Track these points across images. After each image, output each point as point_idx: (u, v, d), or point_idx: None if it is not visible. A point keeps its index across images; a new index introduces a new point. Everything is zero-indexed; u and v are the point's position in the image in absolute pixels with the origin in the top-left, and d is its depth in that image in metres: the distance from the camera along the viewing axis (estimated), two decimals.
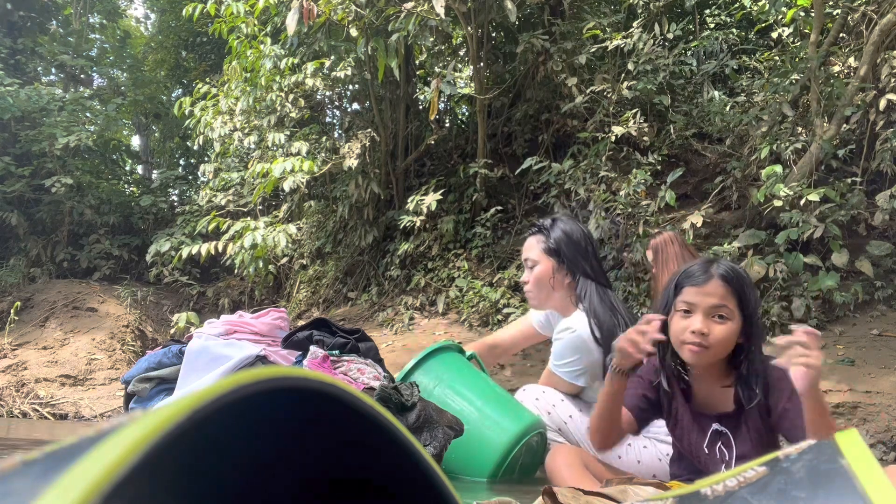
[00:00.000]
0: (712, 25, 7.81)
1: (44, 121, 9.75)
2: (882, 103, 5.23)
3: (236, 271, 7.81)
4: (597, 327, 2.17)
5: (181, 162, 14.05)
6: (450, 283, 7.35)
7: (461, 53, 8.85)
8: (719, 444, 1.63)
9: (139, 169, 14.04)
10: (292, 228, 7.17)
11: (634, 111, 6.44)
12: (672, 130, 6.92)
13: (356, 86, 8.20)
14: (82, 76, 12.67)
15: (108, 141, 11.64)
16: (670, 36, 6.85)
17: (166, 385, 2.74)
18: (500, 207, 7.45)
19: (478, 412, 2.13)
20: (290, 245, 7.29)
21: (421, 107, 9.08)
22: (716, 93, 7.07)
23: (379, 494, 0.43)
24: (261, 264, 7.01)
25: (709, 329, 1.57)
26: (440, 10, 5.71)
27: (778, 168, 5.02)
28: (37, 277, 9.66)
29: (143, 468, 0.24)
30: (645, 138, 6.59)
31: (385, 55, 6.33)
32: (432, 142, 8.39)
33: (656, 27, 6.83)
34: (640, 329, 1.53)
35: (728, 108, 6.61)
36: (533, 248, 2.25)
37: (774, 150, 5.56)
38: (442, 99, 6.93)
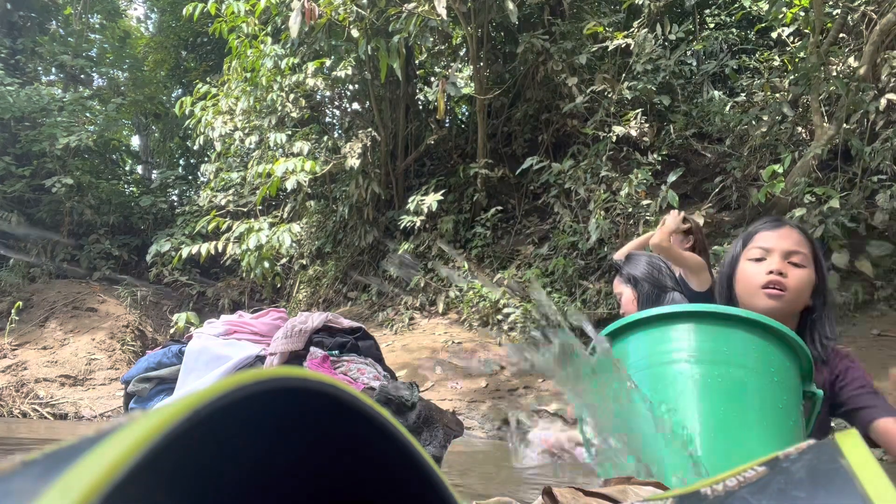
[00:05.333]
0: (712, 25, 7.81)
1: (44, 121, 9.75)
2: (882, 103, 5.23)
3: (243, 275, 7.82)
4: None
5: (181, 162, 14.05)
6: (450, 283, 7.35)
7: (461, 53, 8.85)
8: None
9: (139, 169, 14.05)
10: (296, 227, 7.17)
11: (637, 111, 6.45)
12: (672, 130, 6.92)
13: (356, 86, 8.20)
14: (82, 76, 12.67)
15: (108, 141, 11.64)
16: (672, 37, 6.85)
17: (166, 385, 2.74)
18: (500, 207, 7.45)
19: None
20: (293, 244, 7.29)
21: (421, 107, 9.08)
22: (716, 93, 7.07)
23: (378, 495, 0.43)
24: (266, 265, 7.02)
25: (787, 270, 1.46)
26: (442, 11, 5.71)
27: (778, 167, 5.02)
28: (37, 277, 9.66)
29: (144, 468, 0.24)
30: (645, 138, 6.59)
31: (387, 55, 6.33)
32: (432, 142, 8.40)
33: (657, 27, 6.83)
34: None
35: (728, 108, 6.61)
36: (617, 284, 2.60)
37: (778, 152, 5.56)
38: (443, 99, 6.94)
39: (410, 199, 7.15)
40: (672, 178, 5.39)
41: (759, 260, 1.51)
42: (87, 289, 9.17)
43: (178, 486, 0.35)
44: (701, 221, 5.54)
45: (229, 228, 7.34)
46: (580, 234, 6.21)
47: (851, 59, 5.82)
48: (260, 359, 2.58)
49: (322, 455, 0.41)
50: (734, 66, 7.03)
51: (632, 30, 6.97)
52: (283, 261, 9.19)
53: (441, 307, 7.25)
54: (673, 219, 3.20)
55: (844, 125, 5.25)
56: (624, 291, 2.54)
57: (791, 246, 1.49)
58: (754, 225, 1.60)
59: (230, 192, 8.69)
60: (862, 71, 5.29)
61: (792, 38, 6.75)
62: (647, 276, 2.50)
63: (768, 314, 1.48)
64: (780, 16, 6.04)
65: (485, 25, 7.15)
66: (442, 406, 2.49)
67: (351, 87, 8.30)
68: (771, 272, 1.46)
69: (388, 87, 8.04)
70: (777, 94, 6.32)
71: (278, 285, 9.35)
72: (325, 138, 8.60)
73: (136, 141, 14.56)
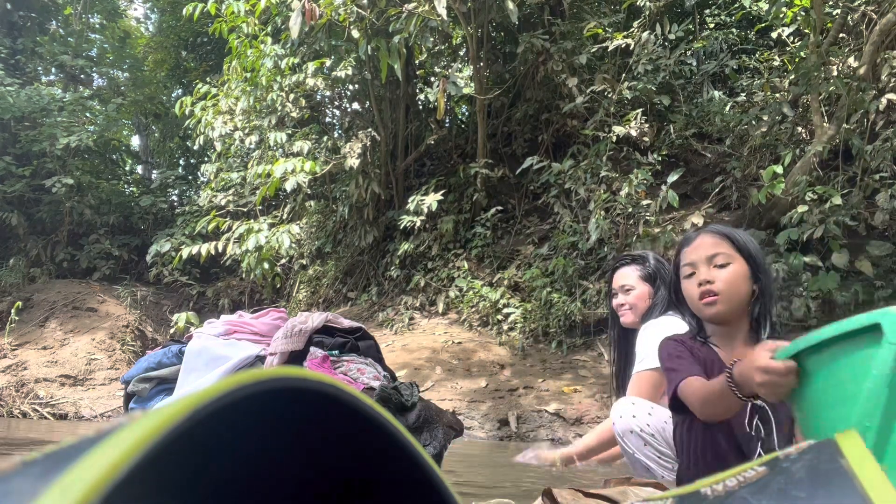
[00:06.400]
0: (712, 25, 7.82)
1: (44, 121, 9.75)
2: (882, 103, 5.23)
3: (243, 275, 7.83)
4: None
5: (181, 162, 14.06)
6: (450, 283, 7.36)
7: (461, 53, 8.86)
8: (756, 419, 1.62)
9: (139, 169, 14.05)
10: (295, 228, 7.17)
11: (638, 111, 6.45)
12: (672, 130, 6.92)
13: (356, 86, 8.20)
14: (82, 76, 12.67)
15: (108, 141, 11.64)
16: (672, 36, 6.86)
17: (166, 385, 2.74)
18: (500, 207, 7.45)
19: None
20: (293, 245, 7.29)
21: (421, 107, 9.08)
22: (716, 93, 7.07)
23: (379, 494, 0.43)
24: (266, 266, 7.02)
25: (713, 276, 1.58)
26: (442, 11, 5.71)
27: (778, 168, 5.02)
28: (37, 277, 9.66)
29: (143, 468, 0.24)
30: (645, 138, 6.59)
31: (387, 56, 6.33)
32: (432, 142, 8.39)
33: (657, 27, 6.83)
34: (764, 367, 1.13)
35: (728, 108, 6.61)
36: (629, 275, 2.53)
37: (776, 151, 5.57)
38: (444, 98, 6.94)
39: (410, 199, 7.16)
40: (672, 178, 5.39)
41: (690, 276, 1.63)
42: (87, 289, 9.17)
43: (177, 485, 0.35)
44: (700, 221, 5.55)
45: (229, 228, 7.34)
46: (580, 234, 6.21)
47: (851, 59, 5.82)
48: (260, 359, 2.58)
49: (323, 455, 0.41)
50: (734, 66, 7.03)
51: (632, 30, 6.97)
52: (283, 261, 9.19)
53: (441, 307, 7.25)
54: None
55: (844, 125, 5.26)
56: (638, 286, 2.50)
57: (709, 251, 1.60)
58: (677, 247, 1.74)
59: (230, 192, 8.69)
60: (862, 71, 5.29)
61: (792, 38, 6.75)
62: (665, 280, 2.46)
63: (716, 320, 1.62)
64: (781, 15, 6.04)
65: (485, 25, 7.15)
66: (442, 406, 2.49)
67: (351, 87, 8.31)
68: (700, 283, 1.59)
69: (388, 87, 8.03)
70: (777, 94, 6.32)
71: (278, 286, 9.36)
72: (325, 138, 8.60)
73: (136, 141, 14.57)
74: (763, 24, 6.96)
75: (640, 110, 6.46)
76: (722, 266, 1.59)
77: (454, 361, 5.97)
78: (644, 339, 2.37)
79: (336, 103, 9.03)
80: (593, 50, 6.94)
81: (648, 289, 2.48)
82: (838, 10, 5.96)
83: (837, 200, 4.76)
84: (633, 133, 6.35)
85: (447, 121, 8.96)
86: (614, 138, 6.25)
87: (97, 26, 13.33)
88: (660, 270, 2.50)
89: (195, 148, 9.21)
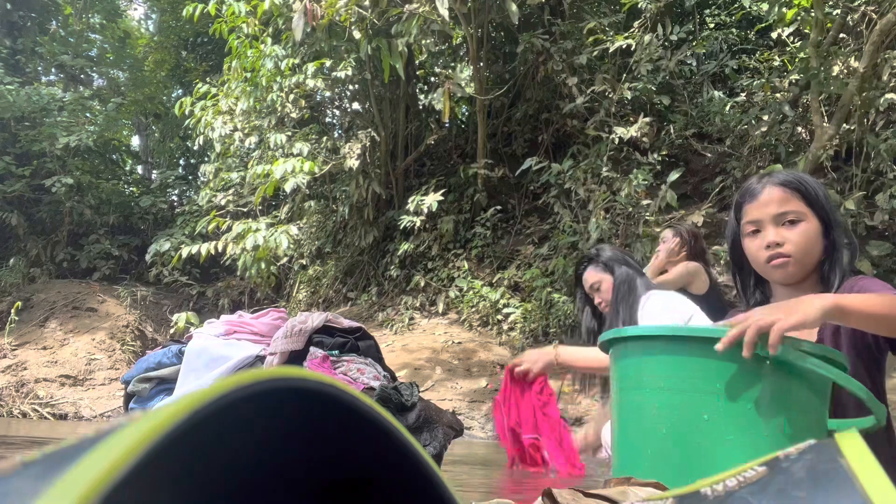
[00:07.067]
0: (712, 25, 7.81)
1: (44, 121, 9.75)
2: (882, 103, 5.23)
3: (238, 273, 7.84)
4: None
5: (181, 162, 14.06)
6: (450, 283, 7.36)
7: (461, 53, 8.86)
8: None
9: (139, 169, 14.05)
10: (293, 229, 7.17)
11: (640, 115, 6.45)
12: (672, 130, 6.92)
13: (356, 86, 8.20)
14: (82, 76, 12.67)
15: (108, 141, 11.64)
16: (673, 37, 6.85)
17: (166, 385, 2.74)
18: (499, 207, 7.45)
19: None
20: (291, 246, 7.29)
21: (421, 107, 9.08)
22: (716, 93, 7.07)
23: (378, 494, 0.43)
24: (262, 265, 7.02)
25: (782, 237, 1.42)
26: (444, 12, 5.70)
27: (778, 167, 5.02)
28: (37, 277, 9.66)
29: (143, 469, 0.24)
30: (645, 138, 6.59)
31: (389, 56, 6.33)
32: (432, 142, 8.40)
33: (658, 28, 6.83)
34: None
35: (728, 108, 6.61)
36: (592, 274, 2.62)
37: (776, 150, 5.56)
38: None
39: (410, 199, 7.16)
40: (672, 177, 5.39)
41: (755, 233, 1.48)
42: (87, 289, 9.17)
43: (177, 485, 0.35)
44: (700, 221, 5.55)
45: (229, 229, 7.34)
46: (580, 234, 6.21)
47: (852, 59, 5.82)
48: (260, 359, 2.58)
49: (322, 455, 0.41)
50: (734, 66, 7.03)
51: (632, 30, 6.97)
52: (283, 261, 9.19)
53: (441, 307, 7.25)
54: (665, 252, 3.44)
55: (844, 125, 5.26)
56: (603, 279, 2.58)
57: (777, 208, 1.45)
58: (737, 197, 1.58)
59: (230, 192, 8.69)
60: (862, 70, 5.29)
61: (792, 38, 6.75)
62: (621, 260, 2.57)
63: (787, 282, 1.49)
64: (780, 16, 6.04)
65: (485, 25, 7.15)
66: (442, 406, 2.49)
67: (351, 87, 8.31)
68: (769, 246, 1.44)
69: (388, 88, 8.04)
70: (777, 94, 6.32)
71: (272, 284, 9.37)
72: (325, 139, 8.61)
73: (136, 141, 14.57)
74: (763, 24, 6.96)
75: (647, 118, 6.45)
76: (792, 224, 1.43)
77: (454, 361, 5.97)
78: (647, 311, 2.39)
79: (336, 103, 9.04)
80: (593, 53, 6.95)
81: (610, 277, 2.56)
82: (838, 10, 5.95)
83: (851, 205, 4.74)
84: (635, 133, 6.35)
85: (447, 121, 8.96)
86: (616, 140, 6.24)
87: (97, 26, 13.33)
88: (612, 257, 2.60)
89: (195, 148, 9.22)
